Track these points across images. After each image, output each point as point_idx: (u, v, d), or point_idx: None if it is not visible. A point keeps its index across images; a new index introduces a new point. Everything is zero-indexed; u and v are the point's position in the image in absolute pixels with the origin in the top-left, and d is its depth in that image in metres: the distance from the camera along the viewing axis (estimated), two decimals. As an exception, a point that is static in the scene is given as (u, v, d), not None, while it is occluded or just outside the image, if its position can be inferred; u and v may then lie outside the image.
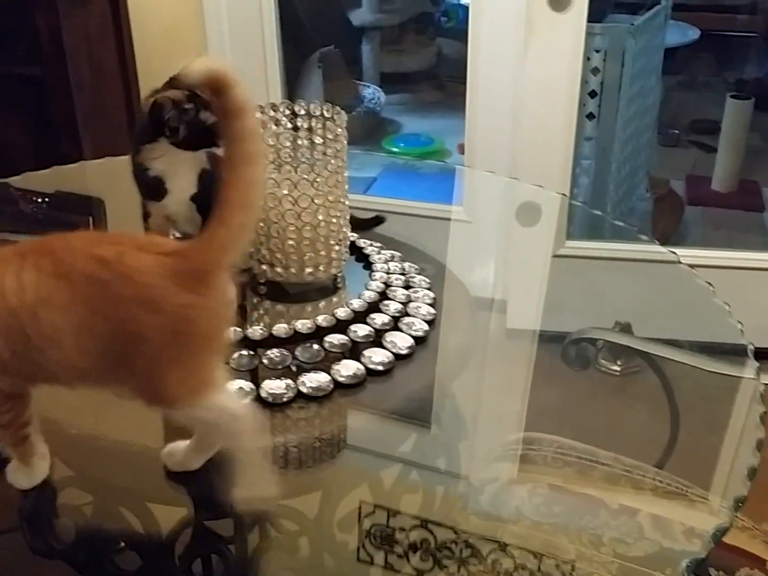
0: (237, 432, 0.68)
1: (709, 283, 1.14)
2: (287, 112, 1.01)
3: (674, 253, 1.24)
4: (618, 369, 1.67)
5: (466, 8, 4.05)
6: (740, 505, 0.79)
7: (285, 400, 0.84)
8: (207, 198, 0.85)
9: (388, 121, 3.72)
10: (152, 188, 0.91)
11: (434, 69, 3.99)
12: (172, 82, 0.88)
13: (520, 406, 1.30)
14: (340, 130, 0.98)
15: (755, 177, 2.92)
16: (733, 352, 1.06)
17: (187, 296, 0.61)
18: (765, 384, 0.96)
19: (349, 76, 3.69)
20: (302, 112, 1.01)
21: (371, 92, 3.68)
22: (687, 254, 2.09)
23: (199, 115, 0.85)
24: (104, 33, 2.14)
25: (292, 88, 3.25)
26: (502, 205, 1.72)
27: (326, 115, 1.01)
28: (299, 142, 0.94)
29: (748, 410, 0.95)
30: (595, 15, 2.46)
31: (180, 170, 0.89)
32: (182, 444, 0.74)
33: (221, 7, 2.13)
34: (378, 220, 1.14)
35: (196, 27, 2.17)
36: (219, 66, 0.65)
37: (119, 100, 2.21)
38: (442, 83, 3.94)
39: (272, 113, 1.01)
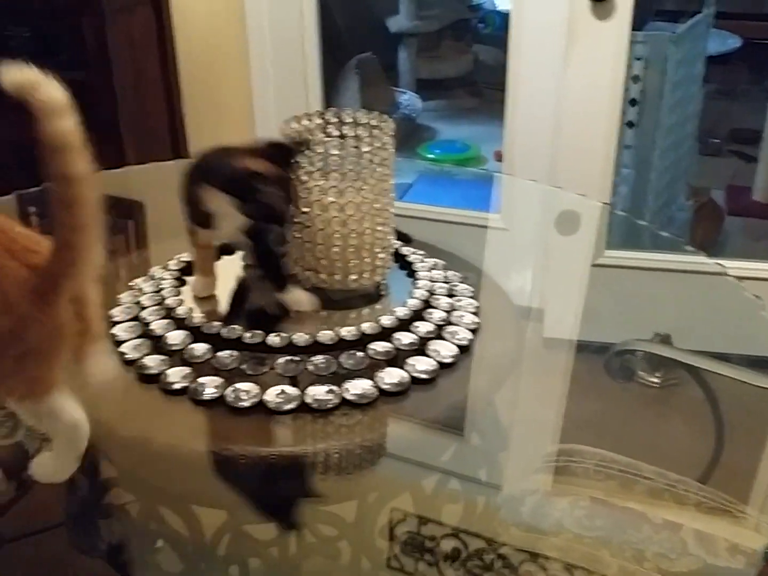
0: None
1: (758, 296, 1.12)
2: (334, 119, 1.01)
3: (720, 264, 1.22)
4: (657, 381, 1.65)
5: (503, 15, 4.05)
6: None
7: (329, 406, 0.84)
8: (258, 231, 0.88)
9: (424, 127, 3.72)
10: (201, 218, 0.92)
11: (471, 75, 3.99)
12: (267, 149, 0.89)
13: (559, 416, 1.30)
14: (387, 138, 0.98)
15: (797, 187, 2.87)
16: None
17: (30, 308, 0.66)
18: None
19: (385, 82, 3.70)
20: (349, 120, 1.02)
21: (407, 98, 3.68)
22: (729, 265, 2.08)
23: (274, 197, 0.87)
24: (148, 39, 2.17)
25: (329, 95, 3.27)
26: (541, 213, 1.71)
27: (373, 123, 1.01)
28: (346, 150, 0.95)
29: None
30: (635, 23, 2.44)
31: (233, 212, 0.89)
32: (48, 455, 0.77)
33: (263, 15, 2.15)
34: (405, 239, 1.13)
35: (238, 34, 2.19)
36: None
37: (161, 105, 2.24)
38: (479, 90, 3.94)
39: (319, 121, 1.01)
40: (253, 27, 2.16)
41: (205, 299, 1.00)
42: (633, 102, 2.34)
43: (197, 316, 0.93)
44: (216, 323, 0.92)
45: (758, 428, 1.14)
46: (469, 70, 3.99)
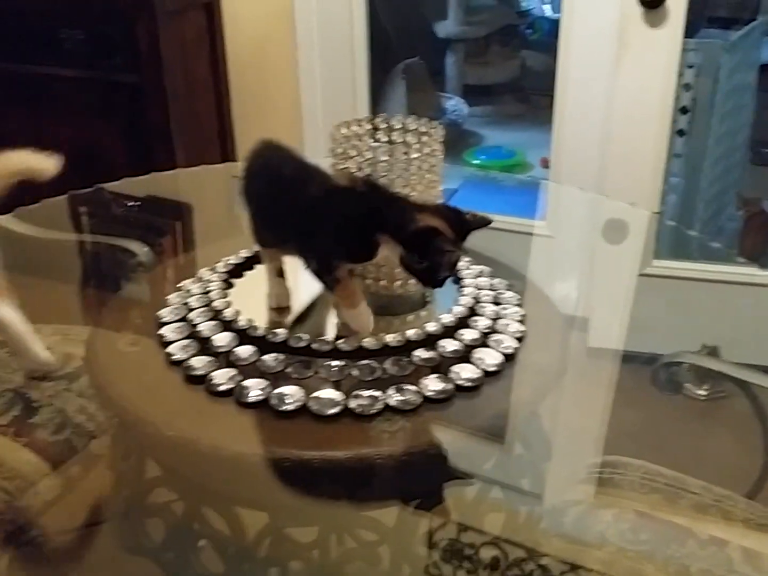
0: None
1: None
2: (384, 125, 1.02)
3: (773, 277, 1.19)
4: (704, 394, 1.62)
5: (551, 21, 4.03)
6: None
7: (373, 411, 0.84)
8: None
9: (470, 133, 3.71)
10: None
11: (518, 81, 3.97)
12: (447, 212, 0.88)
13: (603, 427, 1.28)
14: (436, 145, 0.98)
15: None
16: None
17: None
18: None
19: (432, 87, 3.70)
20: (398, 126, 1.02)
21: (454, 104, 3.68)
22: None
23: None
24: (199, 44, 2.20)
25: (376, 99, 3.28)
26: (588, 220, 1.69)
27: (422, 130, 1.01)
28: (395, 156, 0.95)
29: None
30: (687, 30, 2.40)
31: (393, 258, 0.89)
32: None
33: (312, 21, 2.17)
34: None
35: (288, 40, 2.21)
36: None
37: (211, 109, 2.27)
38: (526, 96, 3.92)
39: (369, 126, 1.02)
40: (303, 31, 2.18)
41: (281, 310, 1.00)
42: (684, 110, 2.31)
43: (244, 319, 0.94)
44: (262, 327, 0.93)
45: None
46: (516, 75, 3.98)
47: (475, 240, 0.99)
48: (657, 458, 1.18)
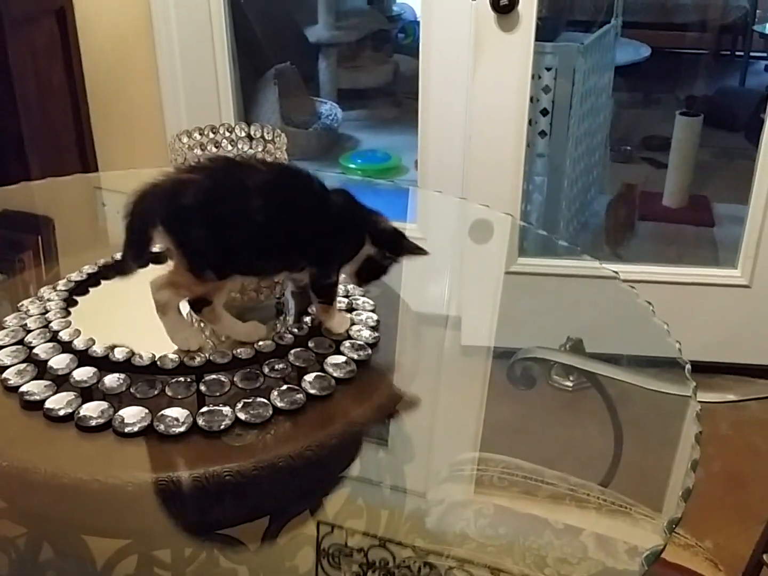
0: None
1: (649, 302, 1.15)
2: (227, 134, 1.00)
3: (615, 272, 1.25)
4: (570, 385, 1.68)
5: (422, 25, 4.08)
6: (674, 526, 0.79)
7: (222, 427, 0.82)
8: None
9: (345, 137, 3.73)
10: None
11: (391, 85, 4.01)
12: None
13: (473, 424, 1.30)
14: (280, 153, 0.97)
15: (705, 192, 2.98)
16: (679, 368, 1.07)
17: None
18: (704, 402, 0.97)
19: (305, 92, 3.69)
20: (242, 134, 1.00)
21: (328, 108, 3.68)
22: (638, 270, 2.14)
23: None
24: (52, 51, 2.11)
25: (248, 106, 3.24)
26: (456, 222, 1.72)
27: (267, 137, 1.00)
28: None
29: (685, 429, 0.96)
30: (547, 33, 2.50)
31: None
32: None
33: (171, 25, 2.11)
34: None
35: (147, 45, 2.15)
36: None
37: (67, 118, 2.18)
38: (399, 100, 3.96)
39: (212, 135, 1.00)
40: (161, 36, 2.12)
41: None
42: (544, 112, 2.39)
43: (83, 339, 0.90)
44: (100, 346, 0.90)
45: (655, 430, 1.16)
46: (390, 80, 4.02)
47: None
48: (524, 451, 1.21)
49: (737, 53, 4.14)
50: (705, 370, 2.10)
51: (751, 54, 3.97)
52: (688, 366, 1.01)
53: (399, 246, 0.95)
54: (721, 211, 2.87)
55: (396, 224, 0.97)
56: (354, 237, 0.93)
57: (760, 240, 2.07)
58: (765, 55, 3.90)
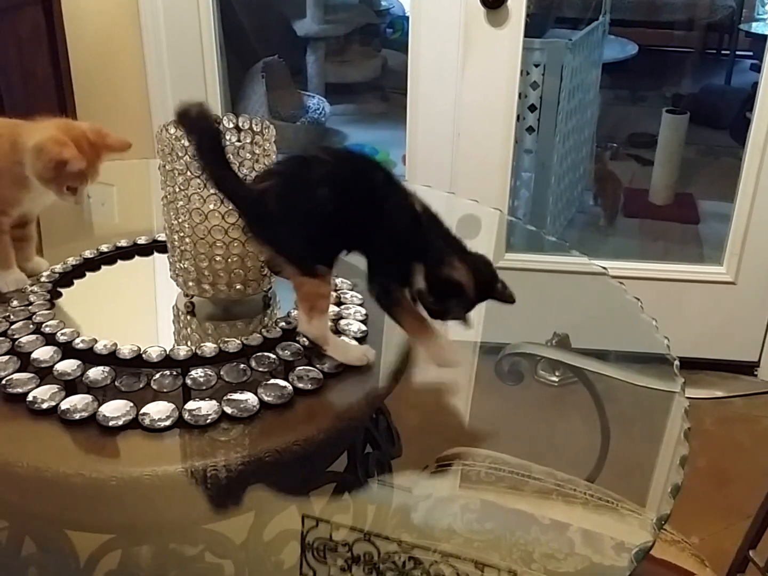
0: None
1: (637, 298, 1.15)
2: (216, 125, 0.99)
3: (604, 268, 1.25)
4: (556, 380, 1.68)
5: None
6: (663, 523, 0.79)
7: (209, 421, 0.81)
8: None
9: (333, 131, 3.71)
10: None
11: (379, 80, 4.00)
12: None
13: (459, 419, 1.30)
14: (269, 144, 0.96)
15: (691, 190, 2.99)
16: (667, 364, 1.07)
17: None
18: (691, 398, 0.97)
19: (293, 86, 3.67)
20: (230, 125, 0.99)
21: (316, 102, 3.66)
22: (624, 267, 2.14)
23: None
24: (37, 41, 2.08)
25: (236, 99, 3.22)
26: (444, 216, 1.72)
27: (255, 129, 0.99)
28: (227, 156, 0.92)
29: (671, 425, 0.96)
30: (536, 29, 2.49)
31: None
32: None
33: (158, 16, 2.09)
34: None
35: (134, 37, 2.13)
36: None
37: (53, 109, 2.15)
38: (387, 95, 3.95)
39: (199, 127, 0.98)
40: (149, 28, 2.10)
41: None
42: (532, 108, 2.39)
43: (68, 331, 0.89)
44: (84, 338, 0.88)
45: (643, 425, 1.17)
46: (378, 74, 4.00)
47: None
48: (510, 446, 1.21)
49: (723, 52, 4.16)
50: (690, 365, 2.11)
51: (737, 52, 3.98)
52: (677, 362, 1.01)
53: (446, 298, 0.85)
54: (707, 209, 2.88)
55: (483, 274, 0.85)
56: (400, 260, 0.86)
57: (746, 237, 2.08)
58: (751, 53, 3.90)
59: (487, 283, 0.86)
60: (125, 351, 0.87)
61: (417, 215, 0.86)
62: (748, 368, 2.22)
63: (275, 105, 3.46)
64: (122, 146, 1.00)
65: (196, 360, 0.88)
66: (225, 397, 0.84)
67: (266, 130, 0.98)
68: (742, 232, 2.08)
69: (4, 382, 0.84)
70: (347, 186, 0.86)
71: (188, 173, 0.92)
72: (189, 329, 0.99)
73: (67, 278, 1.03)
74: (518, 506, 1.06)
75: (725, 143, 3.21)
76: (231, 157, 0.92)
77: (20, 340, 0.89)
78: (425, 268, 0.85)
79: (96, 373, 0.85)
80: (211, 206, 0.93)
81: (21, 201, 0.98)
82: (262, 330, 0.93)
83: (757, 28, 3.94)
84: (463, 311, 0.87)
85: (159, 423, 0.80)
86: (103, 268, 1.08)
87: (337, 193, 0.84)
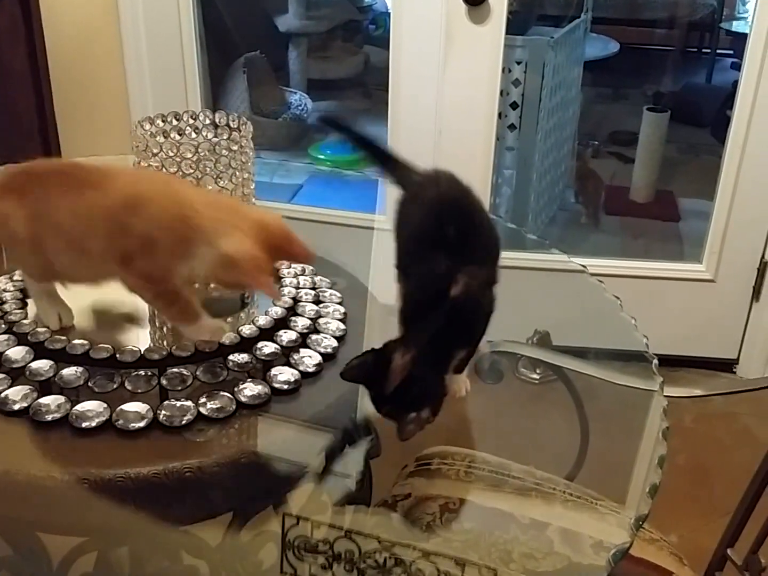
0: None
1: (617, 297, 1.15)
2: (191, 121, 0.98)
3: (583, 266, 1.25)
4: (537, 377, 1.68)
5: (393, 17, 4.05)
6: (641, 524, 0.79)
7: (184, 422, 0.80)
8: None
9: (315, 127, 3.69)
10: None
11: (362, 77, 3.98)
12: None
13: (439, 418, 1.30)
14: (245, 141, 0.95)
15: (671, 188, 3.00)
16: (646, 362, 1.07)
17: None
18: (669, 397, 0.97)
19: (275, 82, 3.65)
20: (207, 121, 0.98)
21: (298, 99, 3.64)
22: (604, 264, 2.15)
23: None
24: (14, 35, 2.06)
25: (217, 94, 3.20)
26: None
27: (232, 125, 0.98)
28: (202, 153, 0.91)
29: (650, 424, 0.96)
30: (518, 27, 2.49)
31: None
32: None
33: (137, 10, 2.07)
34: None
35: (112, 31, 2.11)
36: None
37: (30, 104, 2.13)
38: (370, 91, 3.94)
39: (175, 122, 0.97)
40: (127, 22, 2.08)
41: None
42: (514, 105, 2.39)
43: (41, 331, 0.88)
44: (57, 338, 0.87)
45: (622, 424, 1.17)
46: (360, 71, 3.99)
47: (315, 238, 0.98)
48: (490, 444, 1.20)
49: (704, 50, 4.18)
50: (669, 363, 2.12)
51: (718, 51, 4.01)
52: (656, 361, 1.01)
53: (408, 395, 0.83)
54: (687, 207, 2.89)
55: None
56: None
57: (725, 235, 2.09)
58: (731, 52, 3.93)
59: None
60: (100, 351, 0.86)
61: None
62: (727, 365, 2.24)
63: (257, 101, 3.44)
64: (306, 259, 0.87)
65: (171, 360, 0.86)
66: (201, 398, 0.83)
67: (243, 127, 0.97)
68: (721, 230, 2.09)
69: (-26, 382, 0.83)
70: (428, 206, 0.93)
71: (163, 170, 0.91)
72: (165, 329, 0.97)
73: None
74: (498, 505, 1.05)
75: (706, 141, 3.23)
76: (207, 153, 0.91)
77: (-8, 339, 0.88)
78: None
79: (69, 373, 0.83)
80: (188, 204, 0.92)
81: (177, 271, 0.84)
82: (239, 329, 0.92)
83: (737, 26, 3.96)
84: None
85: (133, 424, 0.79)
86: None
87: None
